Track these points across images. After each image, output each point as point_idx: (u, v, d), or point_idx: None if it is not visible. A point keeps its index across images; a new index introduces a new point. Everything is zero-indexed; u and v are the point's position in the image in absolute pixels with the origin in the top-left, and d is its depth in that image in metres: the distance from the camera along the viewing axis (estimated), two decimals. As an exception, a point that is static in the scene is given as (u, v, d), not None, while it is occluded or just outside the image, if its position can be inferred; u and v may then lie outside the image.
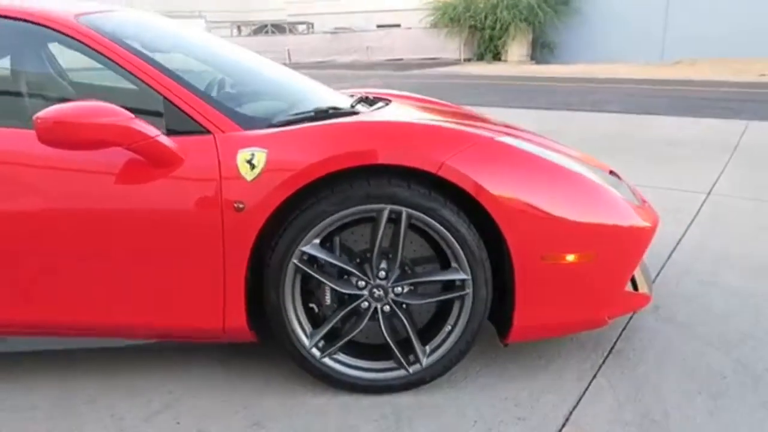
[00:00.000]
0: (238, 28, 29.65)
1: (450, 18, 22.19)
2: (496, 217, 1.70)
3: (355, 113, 2.16)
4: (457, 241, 1.73)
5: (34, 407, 1.81)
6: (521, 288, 1.76)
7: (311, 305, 1.84)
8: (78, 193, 1.73)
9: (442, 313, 1.87)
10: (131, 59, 1.82)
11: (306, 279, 1.80)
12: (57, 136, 1.57)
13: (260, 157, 1.69)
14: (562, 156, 1.97)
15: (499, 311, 1.86)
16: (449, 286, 1.82)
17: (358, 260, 1.82)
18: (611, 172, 2.30)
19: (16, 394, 1.87)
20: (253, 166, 1.69)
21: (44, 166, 1.74)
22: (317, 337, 1.81)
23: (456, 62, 21.77)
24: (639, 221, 1.90)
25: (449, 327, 1.82)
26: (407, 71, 18.48)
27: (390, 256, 1.79)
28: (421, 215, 1.71)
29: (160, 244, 1.73)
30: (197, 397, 1.85)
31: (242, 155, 1.70)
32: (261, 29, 27.99)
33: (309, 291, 1.83)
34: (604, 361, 2.03)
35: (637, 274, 2.02)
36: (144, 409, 1.79)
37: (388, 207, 1.70)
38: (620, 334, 2.20)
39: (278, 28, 27.86)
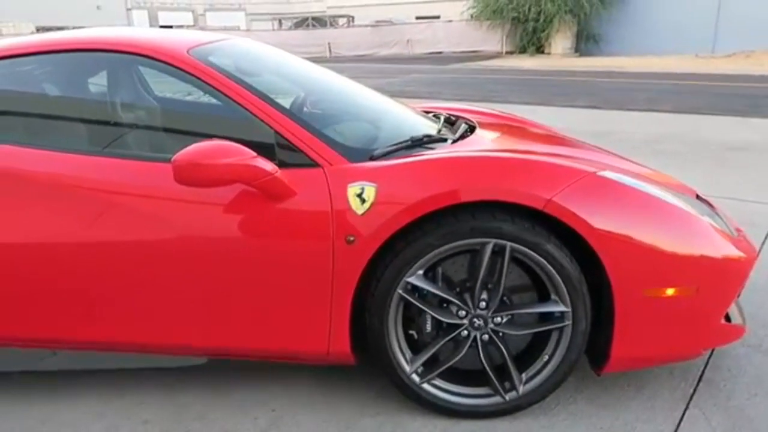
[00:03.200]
0: (279, 21, 29.91)
1: (492, 10, 21.98)
2: (600, 252, 1.73)
3: (444, 140, 2.21)
4: (560, 275, 1.76)
5: (146, 422, 1.92)
6: (621, 321, 1.79)
7: (411, 332, 1.90)
8: (198, 223, 1.82)
9: (538, 341, 1.91)
10: (243, 93, 1.90)
11: (407, 306, 1.86)
12: (191, 176, 1.67)
13: (370, 191, 1.76)
14: (658, 187, 1.98)
15: (594, 341, 1.89)
16: (547, 316, 1.85)
17: (457, 290, 1.87)
18: (698, 197, 2.30)
19: (126, 407, 1.98)
20: (363, 201, 1.75)
21: (164, 197, 1.85)
22: (418, 363, 1.87)
23: (497, 55, 21.56)
24: (737, 253, 1.90)
25: (546, 357, 1.86)
26: (448, 65, 18.39)
27: (490, 286, 1.84)
28: (525, 249, 1.75)
29: (273, 273, 1.82)
30: (299, 416, 1.94)
31: (352, 189, 1.77)
32: (302, 22, 28.17)
33: (408, 318, 1.89)
34: (694, 391, 2.04)
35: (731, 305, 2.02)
36: (252, 427, 1.89)
37: (493, 241, 1.75)
38: (708, 362, 2.20)
39: (319, 21, 28.00)
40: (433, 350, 1.86)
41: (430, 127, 2.39)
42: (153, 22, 37.77)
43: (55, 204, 1.87)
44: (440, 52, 22.98)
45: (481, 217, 1.75)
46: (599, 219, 1.72)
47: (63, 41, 2.14)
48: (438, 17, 27.66)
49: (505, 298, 1.86)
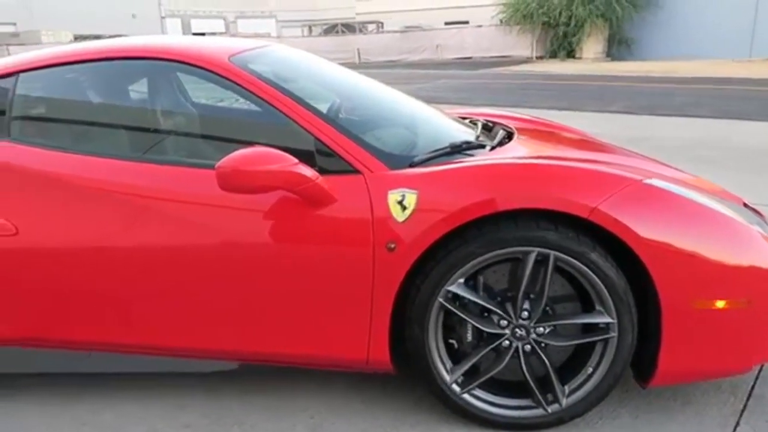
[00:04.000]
0: (309, 28, 30.20)
1: (522, 15, 21.78)
2: (647, 263, 1.68)
3: (483, 146, 2.19)
4: (605, 285, 1.72)
5: (187, 426, 1.93)
6: (668, 333, 1.73)
7: (451, 341, 1.88)
8: (238, 229, 1.83)
9: (581, 353, 1.86)
10: (284, 100, 1.91)
11: (447, 315, 1.84)
12: (234, 182, 1.68)
13: (411, 198, 1.74)
14: (705, 195, 1.92)
15: (639, 354, 1.83)
16: (591, 327, 1.81)
17: (499, 299, 1.84)
18: (745, 205, 2.23)
19: (167, 411, 2.00)
20: (404, 208, 1.74)
21: (204, 203, 1.86)
22: (458, 373, 1.84)
23: (528, 60, 21.37)
24: (789, 264, 1.83)
25: (590, 369, 1.82)
26: (477, 70, 18.29)
27: (532, 296, 1.80)
28: (569, 259, 1.71)
29: (312, 279, 1.81)
30: (337, 424, 1.93)
31: (393, 196, 1.76)
32: (331, 29, 28.38)
33: (449, 327, 1.87)
34: (744, 407, 1.97)
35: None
36: (290, 433, 1.89)
37: (536, 250, 1.71)
38: (757, 376, 2.13)
39: (348, 27, 28.18)
40: (474, 360, 1.83)
41: (468, 134, 2.37)
42: (186, 29, 38.50)
43: (95, 208, 1.90)
44: (469, 58, 22.87)
45: (524, 226, 1.72)
46: (646, 228, 1.68)
47: (107, 49, 2.18)
48: (467, 22, 27.60)
49: (547, 308, 1.82)
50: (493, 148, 2.20)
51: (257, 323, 1.89)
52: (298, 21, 34.44)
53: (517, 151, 2.20)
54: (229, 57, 2.04)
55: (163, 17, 39.63)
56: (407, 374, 1.94)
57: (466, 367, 1.84)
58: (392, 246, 1.74)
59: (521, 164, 1.94)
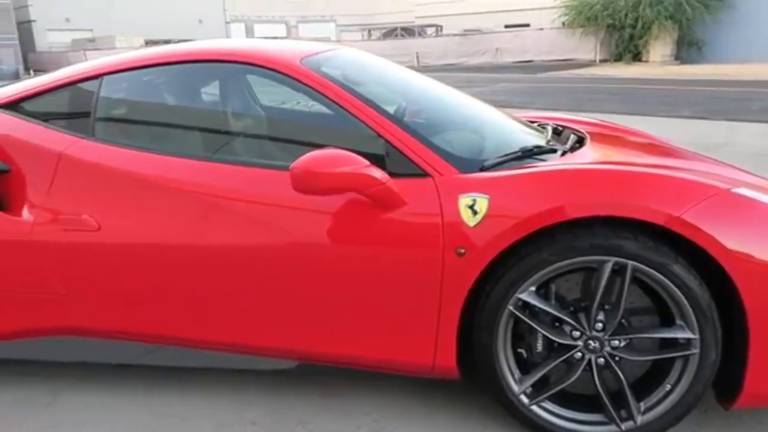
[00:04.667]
0: (368, 31, 30.45)
1: (586, 17, 21.24)
2: (735, 277, 1.59)
3: (554, 151, 2.13)
4: (687, 299, 1.64)
5: (254, 423, 1.96)
6: (757, 351, 1.63)
7: (520, 350, 1.83)
8: (306, 230, 1.85)
9: (658, 369, 1.77)
10: (355, 103, 1.92)
11: (517, 323, 1.79)
12: (307, 184, 1.69)
13: (482, 203, 1.71)
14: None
15: (723, 372, 1.73)
16: (670, 342, 1.72)
17: (571, 309, 1.78)
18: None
19: (234, 407, 2.04)
20: (475, 212, 1.71)
21: (272, 203, 1.89)
22: (527, 384, 1.79)
23: (591, 63, 20.80)
24: None
25: (669, 386, 1.73)
26: (538, 74, 17.96)
27: (607, 307, 1.73)
28: (648, 269, 1.64)
29: (380, 282, 1.81)
30: (400, 428, 1.91)
31: (464, 201, 1.73)
32: (390, 33, 28.52)
33: (518, 335, 1.82)
34: (839, 435, 1.83)
35: None
36: (354, 435, 1.89)
37: (613, 259, 1.65)
38: None
39: (407, 31, 28.23)
40: (544, 371, 1.78)
41: (538, 138, 2.31)
42: (249, 33, 39.60)
43: (169, 207, 1.96)
44: (530, 61, 22.49)
45: (601, 234, 1.65)
46: (734, 240, 1.59)
47: (185, 52, 2.25)
48: (527, 25, 27.16)
49: (623, 321, 1.75)
50: (564, 152, 2.14)
51: (323, 324, 1.90)
52: (358, 25, 34.80)
53: (590, 156, 2.13)
54: (301, 59, 2.06)
55: (227, 22, 40.90)
56: (473, 382, 1.91)
57: (535, 377, 1.79)
58: (462, 251, 1.71)
59: (597, 170, 1.87)
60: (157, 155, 2.03)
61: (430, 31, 29.46)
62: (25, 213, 2.01)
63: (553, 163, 1.98)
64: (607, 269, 1.66)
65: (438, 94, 2.50)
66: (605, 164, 2.01)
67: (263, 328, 1.96)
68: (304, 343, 1.94)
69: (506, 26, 28.81)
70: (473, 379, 1.89)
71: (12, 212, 2.03)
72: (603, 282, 1.68)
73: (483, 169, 1.86)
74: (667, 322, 1.71)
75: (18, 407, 2.06)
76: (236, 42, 2.39)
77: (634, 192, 1.67)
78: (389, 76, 2.52)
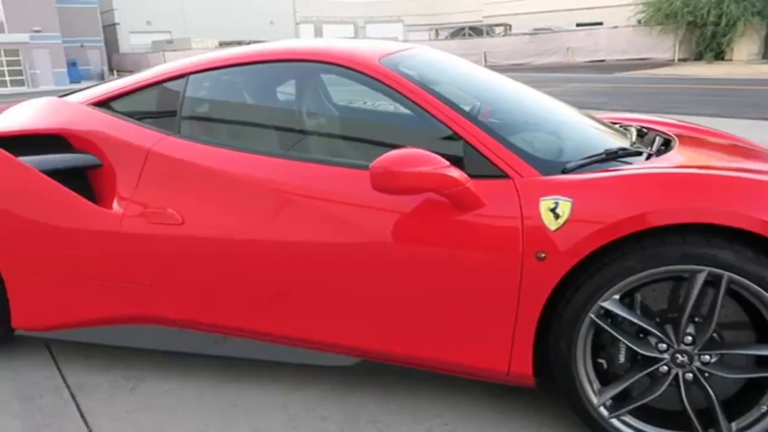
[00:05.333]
0: (436, 31, 30.34)
1: (665, 14, 20.34)
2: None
3: (639, 153, 2.03)
4: (789, 315, 1.52)
5: (325, 419, 1.98)
6: None
7: (600, 360, 1.76)
8: (380, 229, 1.84)
9: (753, 387, 1.66)
10: (434, 103, 1.90)
11: (598, 332, 1.72)
12: (386, 183, 1.69)
13: (565, 206, 1.65)
14: None
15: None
16: (766, 360, 1.61)
17: (657, 320, 1.69)
18: None
19: (306, 402, 2.06)
20: (557, 216, 1.65)
21: (346, 202, 1.90)
22: (607, 396, 1.72)
23: (669, 63, 19.90)
24: None
25: (765, 408, 1.62)
26: (612, 73, 17.36)
27: (697, 320, 1.64)
28: (746, 282, 1.53)
29: (454, 284, 1.78)
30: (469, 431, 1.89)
31: (545, 203, 1.68)
32: (458, 32, 28.30)
33: (598, 345, 1.75)
34: None
35: None
36: (424, 437, 1.87)
37: (707, 270, 1.55)
38: None
39: (475, 30, 27.95)
40: (626, 384, 1.70)
41: (621, 140, 2.22)
42: (317, 34, 40.36)
43: (247, 202, 2.00)
44: (602, 61, 21.77)
45: (693, 242, 1.56)
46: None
47: (264, 52, 2.30)
48: (601, 23, 26.29)
49: (715, 335, 1.65)
50: (649, 155, 2.04)
51: (395, 323, 1.89)
52: (425, 25, 34.75)
53: (678, 159, 2.02)
54: (380, 59, 2.06)
55: (297, 23, 41.82)
56: (548, 389, 1.85)
57: (616, 390, 1.71)
58: (542, 255, 1.66)
59: (687, 174, 1.77)
60: (238, 152, 2.08)
61: (499, 30, 29.03)
62: (115, 206, 2.12)
63: (639, 166, 1.89)
64: (700, 280, 1.57)
65: (516, 94, 2.44)
66: (695, 168, 1.90)
67: (334, 325, 1.97)
68: (374, 341, 1.94)
69: (578, 25, 28.00)
70: (549, 387, 1.83)
71: (103, 205, 2.14)
72: (695, 293, 1.58)
73: (565, 171, 1.80)
74: (765, 338, 1.60)
75: (107, 389, 2.17)
76: (315, 42, 2.42)
77: (727, 198, 1.57)
78: (466, 75, 2.49)
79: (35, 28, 31.96)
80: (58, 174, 2.14)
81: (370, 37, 33.51)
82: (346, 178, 1.93)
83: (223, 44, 33.38)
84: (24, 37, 31.78)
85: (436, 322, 1.84)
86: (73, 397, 2.13)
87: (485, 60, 23.02)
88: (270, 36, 33.46)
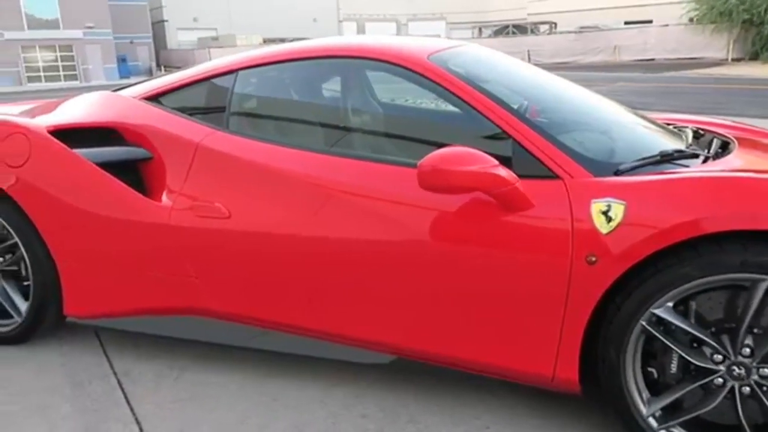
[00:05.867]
0: (479, 29, 30.05)
1: (719, 12, 19.61)
2: None
3: (696, 156, 1.96)
4: None
5: (364, 416, 1.97)
6: None
7: (650, 369, 1.70)
8: (424, 227, 1.82)
9: (815, 404, 1.58)
10: (483, 101, 1.87)
11: (648, 340, 1.66)
12: (434, 181, 1.67)
13: (617, 209, 1.60)
14: None
15: None
16: (833, 376, 1.53)
17: (713, 329, 1.62)
18: None
19: (345, 399, 2.06)
20: (609, 219, 1.60)
21: (391, 200, 1.89)
22: (656, 406, 1.66)
23: (722, 62, 19.20)
24: None
25: (828, 425, 1.54)
26: (661, 72, 16.86)
27: (757, 331, 1.56)
28: (813, 293, 1.46)
29: (500, 285, 1.75)
30: (511, 437, 1.85)
31: (597, 206, 1.63)
32: (502, 30, 27.97)
33: (649, 353, 1.69)
34: None
35: None
36: (465, 440, 1.84)
37: (769, 279, 1.48)
38: None
39: (519, 28, 27.57)
40: (678, 395, 1.64)
41: (677, 141, 2.14)
42: (360, 31, 40.51)
43: (291, 197, 2.00)
44: (651, 60, 21.16)
45: (754, 250, 1.49)
46: None
47: (313, 49, 2.31)
48: (650, 22, 25.57)
49: (774, 347, 1.57)
50: (706, 158, 1.96)
51: (436, 323, 1.87)
52: (468, 23, 34.45)
53: (737, 163, 1.93)
54: (429, 56, 2.04)
55: (340, 21, 42.07)
56: (594, 397, 1.80)
57: (667, 401, 1.65)
58: (593, 259, 1.61)
59: (748, 179, 1.68)
60: (284, 148, 2.09)
61: (544, 28, 28.55)
62: (165, 198, 2.16)
63: (696, 169, 1.82)
64: (761, 290, 1.50)
65: (566, 92, 2.38)
66: (756, 173, 1.82)
67: (374, 322, 1.96)
68: (414, 340, 1.92)
69: (626, 23, 27.31)
70: (595, 394, 1.78)
71: (153, 197, 2.18)
72: (755, 303, 1.51)
73: (618, 172, 1.74)
74: (831, 353, 1.52)
75: (152, 378, 2.22)
76: (363, 39, 2.41)
77: (795, 204, 1.49)
78: (516, 72, 2.44)
79: (88, 25, 33.11)
80: (111, 166, 2.20)
81: (412, 35, 33.42)
82: (391, 176, 1.92)
83: (266, 41, 33.88)
84: (77, 33, 32.97)
85: (480, 323, 1.81)
86: (120, 384, 2.18)
87: (529, 58, 22.64)
88: (313, 33, 33.77)
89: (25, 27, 31.92)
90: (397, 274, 1.89)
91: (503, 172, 1.65)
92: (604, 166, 1.76)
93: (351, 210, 1.93)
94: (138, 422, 1.96)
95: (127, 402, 2.07)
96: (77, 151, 2.20)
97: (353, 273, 1.95)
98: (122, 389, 2.15)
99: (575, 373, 1.72)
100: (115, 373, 2.25)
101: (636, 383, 1.68)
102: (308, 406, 2.03)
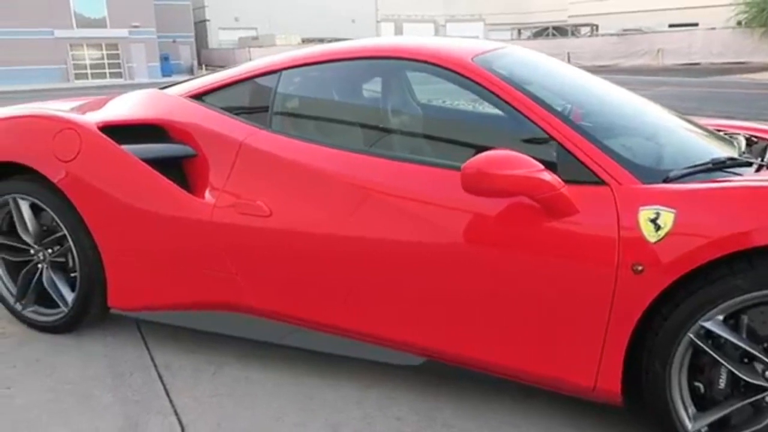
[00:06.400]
0: (518, 31, 29.72)
1: (770, 15, 18.96)
2: None
3: (749, 164, 1.89)
4: None
5: (399, 419, 1.97)
6: None
7: (696, 384, 1.65)
8: (467, 231, 1.81)
9: None
10: (527, 104, 1.84)
11: (696, 353, 1.61)
12: (477, 184, 1.65)
13: (667, 217, 1.56)
14: None
15: None
16: None
17: (765, 345, 1.56)
18: None
19: (381, 400, 2.06)
20: (658, 227, 1.56)
21: (431, 202, 1.87)
22: (702, 422, 1.61)
23: (772, 67, 18.53)
24: None
25: None
26: (707, 77, 16.38)
27: (811, 349, 1.50)
28: None
29: (541, 291, 1.72)
30: (550, 447, 1.82)
31: (645, 213, 1.59)
32: (542, 32, 27.59)
33: (695, 367, 1.64)
34: None
35: None
36: (501, 448, 1.82)
37: (827, 295, 1.42)
38: None
39: (560, 30, 27.16)
40: (726, 411, 1.58)
41: (728, 149, 2.07)
42: (398, 32, 40.56)
43: (330, 197, 2.01)
44: (696, 64, 20.58)
45: (813, 264, 1.43)
46: None
47: (357, 49, 2.31)
48: (696, 24, 24.88)
49: (833, 367, 1.50)
50: (760, 167, 1.89)
51: (472, 327, 1.85)
52: (507, 24, 34.09)
53: None
54: (473, 57, 2.02)
55: (378, 22, 42.18)
56: (637, 410, 1.76)
57: (714, 417, 1.60)
58: (639, 268, 1.57)
59: None
60: (326, 148, 2.10)
61: (585, 30, 28.06)
62: (207, 195, 2.19)
63: (749, 178, 1.76)
64: (819, 305, 1.44)
65: (613, 96, 2.33)
66: None
67: (411, 324, 1.95)
68: (448, 343, 1.90)
69: (670, 25, 26.64)
70: (637, 406, 1.74)
71: (196, 194, 2.22)
72: (811, 319, 1.45)
73: (667, 180, 1.69)
74: None
75: (191, 372, 2.25)
76: (406, 39, 2.41)
77: None
78: (561, 75, 2.40)
79: (134, 24, 33.99)
80: (157, 162, 2.24)
81: (450, 36, 33.29)
82: (431, 178, 1.90)
83: (305, 41, 34.22)
84: (123, 32, 33.87)
85: (518, 329, 1.79)
86: (160, 376, 2.23)
87: (568, 61, 22.29)
88: (350, 34, 33.96)
89: (74, 26, 32.95)
90: (434, 276, 1.87)
91: (549, 176, 1.62)
92: (652, 173, 1.71)
93: (389, 210, 1.92)
94: (177, 414, 2.00)
95: (167, 394, 2.11)
96: (125, 147, 2.25)
97: (390, 273, 1.94)
98: (162, 382, 2.19)
99: (618, 384, 1.68)
100: (155, 366, 2.30)
101: (682, 397, 1.63)
102: (344, 406, 2.03)
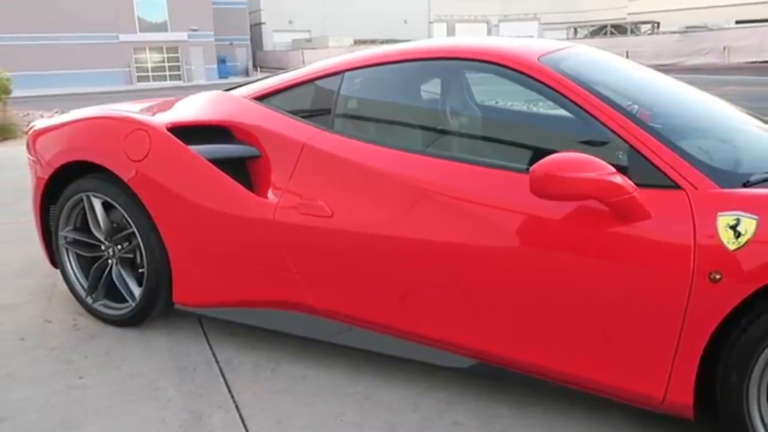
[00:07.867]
0: (574, 30, 29.03)
1: None
2: None
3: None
4: None
5: (457, 423, 1.94)
6: None
7: (776, 400, 1.56)
8: (531, 234, 1.77)
9: None
10: (597, 105, 1.79)
11: (775, 369, 1.53)
12: (546, 188, 1.62)
13: (748, 224, 1.48)
14: None
15: None
16: None
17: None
18: None
19: (438, 404, 2.04)
20: (738, 234, 1.48)
21: (500, 206, 1.84)
22: (783, 440, 1.52)
23: None
24: None
25: None
26: (777, 76, 15.54)
27: None
28: None
29: (609, 297, 1.67)
30: (615, 460, 1.76)
31: (724, 219, 1.51)
32: (599, 30, 26.85)
33: (774, 382, 1.55)
34: None
35: None
36: (562, 458, 1.77)
37: None
38: None
39: (618, 28, 26.35)
40: (809, 429, 1.49)
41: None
42: (450, 32, 40.34)
43: (391, 198, 2.00)
44: (766, 62, 19.58)
45: None
46: None
47: (419, 50, 2.30)
48: (766, 21, 23.68)
49: None
50: None
51: (532, 332, 1.81)
52: (563, 23, 33.35)
53: None
54: (539, 57, 1.98)
55: (430, 22, 42.06)
56: (709, 424, 1.68)
57: (796, 435, 1.51)
58: (717, 277, 1.50)
59: None
60: (388, 149, 2.10)
61: (645, 28, 27.13)
62: (270, 195, 2.23)
63: None
64: None
65: (685, 96, 2.24)
66: None
67: (470, 326, 1.92)
68: (505, 347, 1.87)
69: (737, 22, 25.47)
70: (710, 421, 1.66)
71: (259, 194, 2.26)
72: None
73: (747, 184, 1.61)
74: None
75: (251, 368, 2.30)
76: (471, 40, 2.38)
77: None
78: (631, 75, 2.32)
79: (193, 27, 35.10)
80: (222, 163, 2.30)
81: (504, 35, 32.86)
82: (493, 179, 1.88)
83: (357, 42, 34.47)
84: (183, 35, 35.03)
85: (583, 336, 1.74)
86: (221, 372, 2.28)
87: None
88: (403, 35, 33.98)
89: (137, 30, 34.31)
90: (494, 278, 1.84)
91: (620, 180, 1.57)
92: (731, 177, 1.64)
93: (449, 212, 1.91)
94: (238, 410, 2.04)
95: (228, 390, 2.16)
96: (192, 147, 2.32)
97: (449, 275, 1.92)
98: (223, 377, 2.24)
99: (690, 396, 1.61)
100: (217, 361, 2.35)
101: (760, 414, 1.55)
102: (400, 407, 2.03)
